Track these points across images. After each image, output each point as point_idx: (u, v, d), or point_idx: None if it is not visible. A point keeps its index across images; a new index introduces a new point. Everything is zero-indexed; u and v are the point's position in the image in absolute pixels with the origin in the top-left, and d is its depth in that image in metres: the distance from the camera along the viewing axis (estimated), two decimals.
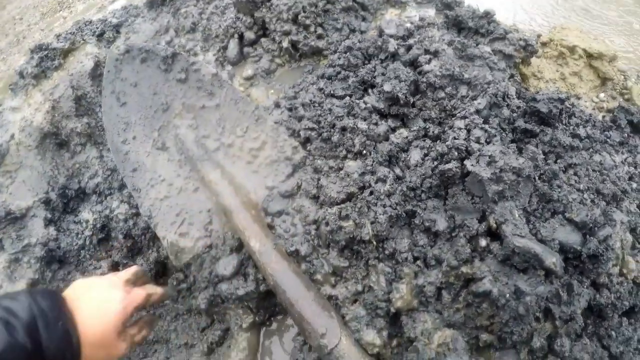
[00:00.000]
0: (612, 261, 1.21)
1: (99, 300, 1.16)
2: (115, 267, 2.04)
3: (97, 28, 2.67)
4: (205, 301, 1.46)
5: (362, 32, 2.00)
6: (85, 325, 1.08)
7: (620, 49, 2.11)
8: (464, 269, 1.17)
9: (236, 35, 2.13)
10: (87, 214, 2.06)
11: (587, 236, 1.20)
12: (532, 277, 1.13)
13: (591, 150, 1.52)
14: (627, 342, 1.24)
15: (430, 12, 2.11)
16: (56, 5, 3.76)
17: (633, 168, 1.57)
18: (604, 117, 1.78)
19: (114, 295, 1.19)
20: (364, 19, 2.06)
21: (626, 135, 1.68)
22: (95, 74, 2.31)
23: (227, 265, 1.44)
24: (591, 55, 1.84)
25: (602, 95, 1.89)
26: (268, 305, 1.47)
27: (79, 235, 2.04)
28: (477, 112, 1.36)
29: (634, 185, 1.50)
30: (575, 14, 2.34)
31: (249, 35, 2.09)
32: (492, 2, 2.33)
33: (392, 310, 1.22)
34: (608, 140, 1.61)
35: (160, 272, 1.92)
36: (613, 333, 1.25)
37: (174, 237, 1.59)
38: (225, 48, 2.15)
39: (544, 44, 1.92)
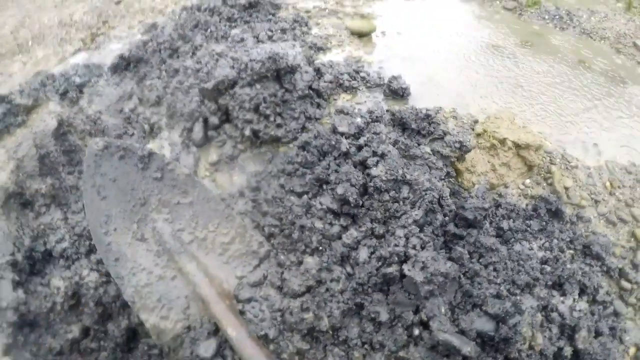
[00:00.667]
0: (520, 342, 1.69)
1: None
2: (86, 331, 2.38)
3: (60, 86, 3.00)
4: None
5: (317, 119, 2.46)
6: None
7: (548, 130, 2.64)
8: (401, 353, 1.66)
9: (201, 119, 2.55)
10: (58, 280, 2.36)
11: (500, 324, 1.69)
12: None
13: (512, 239, 2.02)
14: None
15: (378, 97, 2.61)
16: (15, 46, 4.02)
17: (549, 252, 2.07)
18: (527, 205, 2.28)
19: None
20: (319, 106, 2.53)
21: (545, 222, 2.18)
22: (58, 133, 2.63)
23: (207, 348, 1.87)
24: (519, 145, 2.34)
25: (527, 181, 2.41)
26: None
27: (47, 298, 2.35)
28: (415, 221, 1.85)
29: (548, 268, 2.00)
30: (513, 95, 2.87)
31: (213, 120, 2.52)
32: (435, 83, 2.84)
33: None
34: (528, 229, 2.11)
35: (130, 337, 2.30)
36: None
37: (155, 320, 2.00)
38: (190, 130, 2.56)
39: (478, 135, 2.42)
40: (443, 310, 1.68)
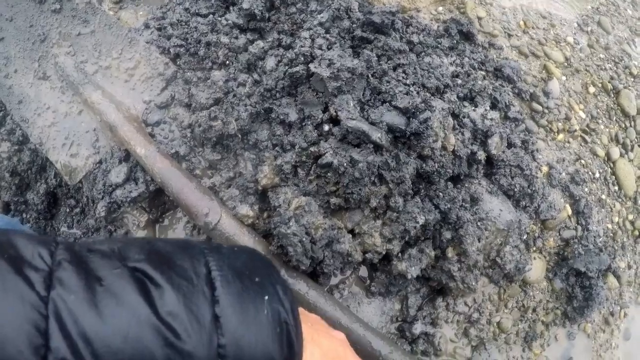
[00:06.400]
0: (432, 137, 1.66)
1: None
2: (6, 207, 2.30)
3: None
4: (104, 209, 1.79)
5: None
6: None
7: None
8: (312, 149, 1.62)
9: None
10: None
11: (410, 119, 1.66)
12: (363, 149, 1.59)
13: (423, 53, 1.99)
14: (452, 200, 1.73)
15: None
16: None
17: (460, 68, 2.06)
18: (438, 27, 2.25)
19: None
20: None
21: (456, 41, 2.16)
22: None
23: (118, 173, 1.79)
24: None
25: (440, 8, 2.37)
26: (159, 204, 1.84)
27: None
28: (320, 24, 1.79)
29: (459, 81, 1.99)
30: None
31: None
32: None
33: (260, 188, 1.66)
34: (439, 45, 2.08)
35: (51, 202, 2.22)
36: (440, 194, 1.74)
37: (65, 159, 1.91)
38: None
39: None
40: (352, 105, 1.64)
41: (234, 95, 1.72)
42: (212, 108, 1.72)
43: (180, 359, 0.81)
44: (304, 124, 1.67)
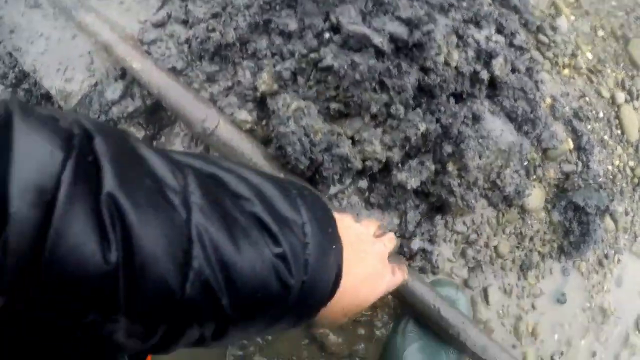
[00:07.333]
0: (435, 49, 1.65)
1: (370, 267, 1.16)
2: None
3: None
4: None
5: None
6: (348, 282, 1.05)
7: None
8: (312, 55, 1.61)
9: None
10: None
11: (413, 30, 1.65)
12: (364, 53, 1.58)
13: None
14: (454, 115, 1.71)
15: None
16: None
17: None
18: None
19: (384, 272, 1.22)
20: None
21: None
22: None
23: (114, 90, 1.79)
24: None
25: None
26: (155, 120, 1.84)
27: None
28: None
29: (464, 4, 1.97)
30: None
31: None
32: None
33: (258, 95, 1.66)
34: None
35: None
36: (442, 108, 1.71)
37: (60, 84, 1.90)
38: None
39: None
40: (353, 13, 1.63)
41: (233, 7, 1.71)
42: (210, 21, 1.71)
43: (285, 291, 0.88)
44: (304, 33, 1.66)
